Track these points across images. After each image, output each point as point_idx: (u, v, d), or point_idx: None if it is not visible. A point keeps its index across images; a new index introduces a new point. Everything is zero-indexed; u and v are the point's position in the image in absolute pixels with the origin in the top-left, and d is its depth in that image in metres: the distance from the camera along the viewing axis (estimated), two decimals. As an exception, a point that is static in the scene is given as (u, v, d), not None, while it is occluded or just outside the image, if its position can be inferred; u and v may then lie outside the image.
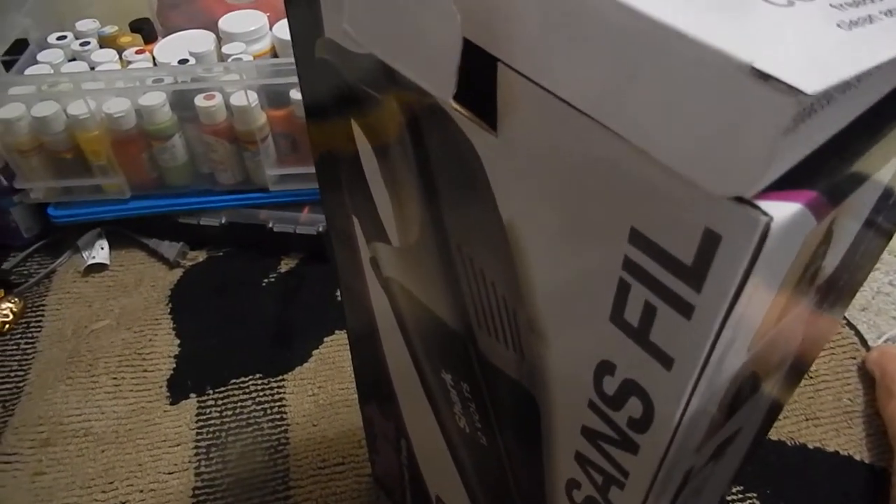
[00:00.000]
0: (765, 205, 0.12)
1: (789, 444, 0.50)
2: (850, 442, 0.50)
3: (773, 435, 0.51)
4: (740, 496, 0.47)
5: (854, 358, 0.56)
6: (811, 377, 0.55)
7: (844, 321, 0.59)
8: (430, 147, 0.20)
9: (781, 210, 0.12)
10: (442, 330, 0.26)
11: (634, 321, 0.16)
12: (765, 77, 0.11)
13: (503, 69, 0.15)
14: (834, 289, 0.20)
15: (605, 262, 0.16)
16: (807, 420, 0.52)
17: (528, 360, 0.21)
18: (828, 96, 0.12)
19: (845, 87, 0.12)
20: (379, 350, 0.33)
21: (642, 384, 0.17)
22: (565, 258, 0.17)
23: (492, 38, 0.15)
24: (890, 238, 0.21)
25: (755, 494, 0.47)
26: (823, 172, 0.13)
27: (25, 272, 0.62)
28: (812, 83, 0.10)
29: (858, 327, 0.59)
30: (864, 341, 0.58)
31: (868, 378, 0.54)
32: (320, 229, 0.60)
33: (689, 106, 0.12)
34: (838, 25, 0.12)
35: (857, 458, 0.49)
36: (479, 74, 0.16)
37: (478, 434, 0.28)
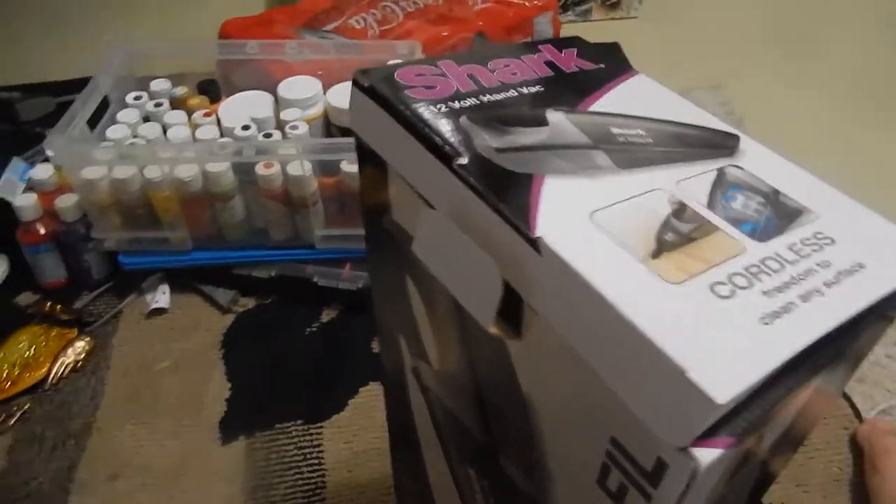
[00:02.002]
0: (696, 451, 0.17)
1: (779, 510, 0.55)
2: (837, 511, 0.55)
3: (765, 500, 0.55)
4: (731, 558, 0.52)
5: (847, 428, 0.60)
6: (804, 445, 0.59)
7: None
8: (471, 323, 0.25)
9: (707, 455, 0.17)
10: (469, 437, 0.31)
11: (613, 489, 0.21)
12: (694, 383, 0.16)
13: (527, 306, 0.21)
14: (784, 442, 0.26)
15: (594, 448, 0.21)
16: (797, 486, 0.56)
17: (536, 485, 0.27)
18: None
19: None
20: (415, 438, 0.39)
21: (621, 530, 0.22)
22: (568, 434, 0.23)
23: (520, 286, 0.21)
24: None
25: (745, 557, 0.52)
26: (743, 418, 0.18)
27: (95, 311, 0.70)
28: (725, 394, 0.16)
29: (853, 398, 0.63)
30: (857, 412, 0.62)
31: (858, 450, 0.58)
32: (360, 285, 0.67)
33: (650, 381, 0.17)
34: (762, 320, 0.18)
35: (843, 526, 0.54)
36: (512, 293, 0.21)
37: (496, 519, 0.34)
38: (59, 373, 0.64)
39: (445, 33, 0.88)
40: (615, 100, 0.26)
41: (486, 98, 0.24)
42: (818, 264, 0.20)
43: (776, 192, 0.23)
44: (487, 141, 0.22)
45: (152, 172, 0.61)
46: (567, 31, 1.10)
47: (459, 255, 0.21)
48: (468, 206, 0.21)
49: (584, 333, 0.19)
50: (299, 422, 0.61)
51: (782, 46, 1.20)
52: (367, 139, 0.26)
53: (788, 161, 0.24)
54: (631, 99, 0.26)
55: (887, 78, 1.11)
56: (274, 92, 0.72)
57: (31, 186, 0.67)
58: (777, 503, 0.55)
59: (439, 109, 0.23)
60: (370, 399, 0.62)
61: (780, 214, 0.22)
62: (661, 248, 0.20)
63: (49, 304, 0.67)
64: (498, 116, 0.23)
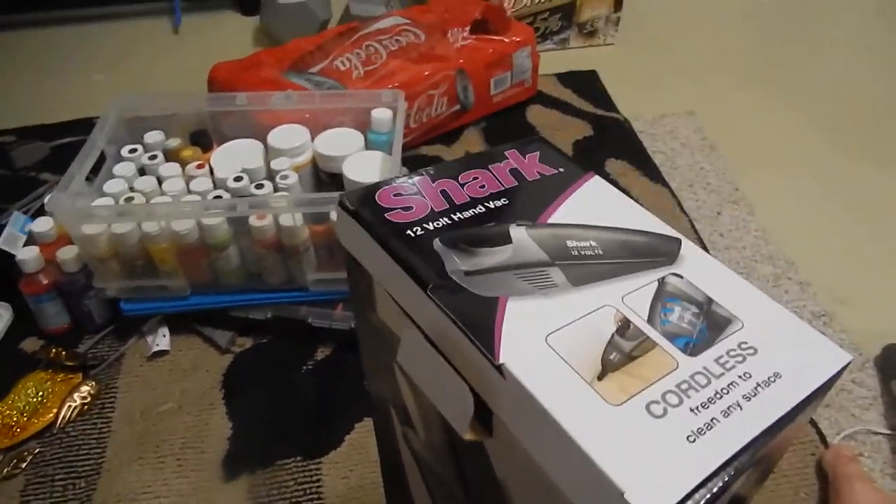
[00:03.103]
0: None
1: (751, 533, 0.59)
2: (804, 532, 0.59)
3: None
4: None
5: (813, 454, 0.64)
6: (774, 472, 0.63)
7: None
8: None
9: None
10: (456, 500, 0.35)
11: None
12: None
13: (496, 414, 0.24)
14: (752, 478, 0.29)
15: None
16: (767, 512, 0.60)
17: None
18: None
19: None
20: (406, 484, 0.42)
21: None
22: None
23: (488, 399, 0.24)
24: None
25: (718, 579, 0.56)
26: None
27: (98, 354, 0.73)
28: (653, 513, 0.19)
29: (819, 423, 0.67)
30: (823, 438, 0.66)
31: (824, 475, 0.62)
32: (351, 325, 0.70)
33: (594, 493, 0.21)
34: (688, 438, 0.21)
35: (809, 547, 0.58)
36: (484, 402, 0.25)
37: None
38: (67, 416, 0.67)
39: (427, 72, 0.91)
40: (572, 207, 0.30)
41: (457, 216, 0.28)
42: (740, 376, 0.24)
43: (709, 301, 0.26)
44: (457, 265, 0.26)
45: (150, 227, 0.65)
46: (546, 59, 1.14)
47: (437, 375, 0.25)
48: (442, 325, 0.25)
49: (541, 447, 0.22)
50: (298, 458, 0.64)
51: (754, 72, 1.24)
52: (353, 253, 0.29)
53: (722, 267, 0.28)
54: (586, 205, 0.30)
55: (858, 103, 1.16)
56: (264, 139, 0.75)
57: (31, 238, 0.70)
58: (747, 527, 0.59)
59: (415, 234, 0.27)
60: (365, 434, 0.66)
61: (711, 325, 0.25)
62: (606, 368, 0.23)
63: (54, 350, 0.70)
64: (467, 237, 0.27)
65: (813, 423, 0.67)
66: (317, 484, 0.62)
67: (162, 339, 0.72)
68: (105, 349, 0.73)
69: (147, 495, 0.61)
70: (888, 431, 0.66)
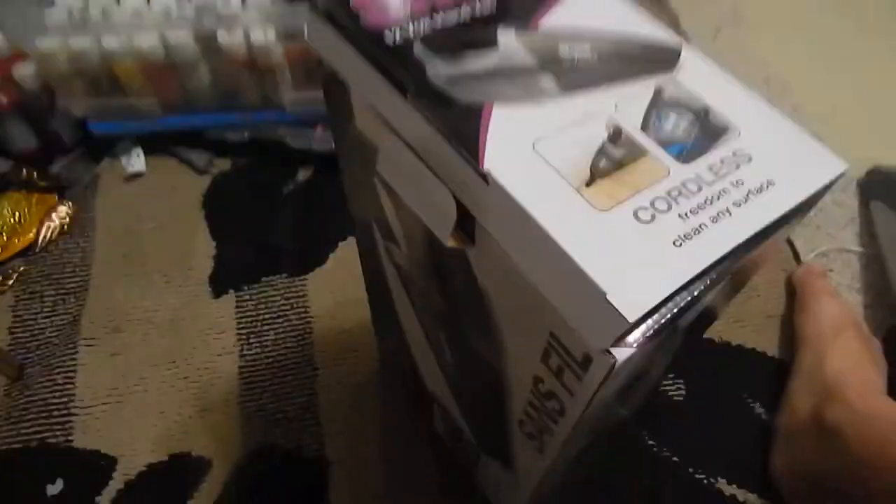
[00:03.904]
0: (614, 350, 0.21)
1: (716, 340, 0.62)
2: (768, 342, 0.62)
3: (705, 333, 0.63)
4: (671, 382, 0.60)
5: (785, 270, 0.67)
6: (746, 287, 0.66)
7: (784, 236, 0.69)
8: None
9: (623, 353, 0.21)
10: (438, 311, 0.36)
11: (554, 367, 0.26)
12: (611, 304, 0.20)
13: (478, 224, 0.24)
14: (703, 319, 0.30)
15: (538, 335, 0.25)
16: (735, 322, 0.63)
17: (494, 354, 0.31)
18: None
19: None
20: (390, 299, 0.43)
21: (559, 395, 0.27)
22: (518, 323, 0.27)
23: (471, 207, 0.23)
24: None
25: (682, 381, 0.60)
26: (655, 321, 0.22)
27: (72, 176, 0.71)
28: (634, 313, 0.19)
29: (795, 242, 0.69)
30: (797, 255, 0.68)
31: (792, 290, 0.64)
32: (332, 147, 0.68)
33: (577, 297, 0.21)
34: (675, 243, 0.21)
35: (770, 354, 0.62)
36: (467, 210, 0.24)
37: (463, 373, 0.39)
38: (47, 237, 0.66)
39: None
40: (565, 11, 0.27)
41: (439, 18, 0.25)
42: (732, 184, 0.23)
43: (706, 110, 0.25)
44: (440, 69, 0.24)
45: (111, 43, 0.60)
46: None
47: (418, 181, 0.24)
48: (424, 133, 0.23)
49: (524, 254, 0.22)
50: (284, 275, 0.65)
51: None
52: (327, 59, 0.27)
53: (724, 73, 0.26)
54: (580, 9, 0.27)
55: None
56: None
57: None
58: (715, 336, 0.62)
59: (395, 36, 0.24)
60: (349, 252, 0.67)
61: (706, 133, 0.24)
62: (595, 175, 0.22)
63: (25, 170, 0.68)
64: (450, 41, 0.25)
65: (788, 240, 0.68)
66: (303, 299, 0.64)
67: (136, 161, 0.70)
68: (78, 170, 0.71)
69: (137, 309, 0.63)
70: (860, 249, 0.68)
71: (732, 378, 0.60)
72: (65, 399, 0.58)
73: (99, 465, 0.54)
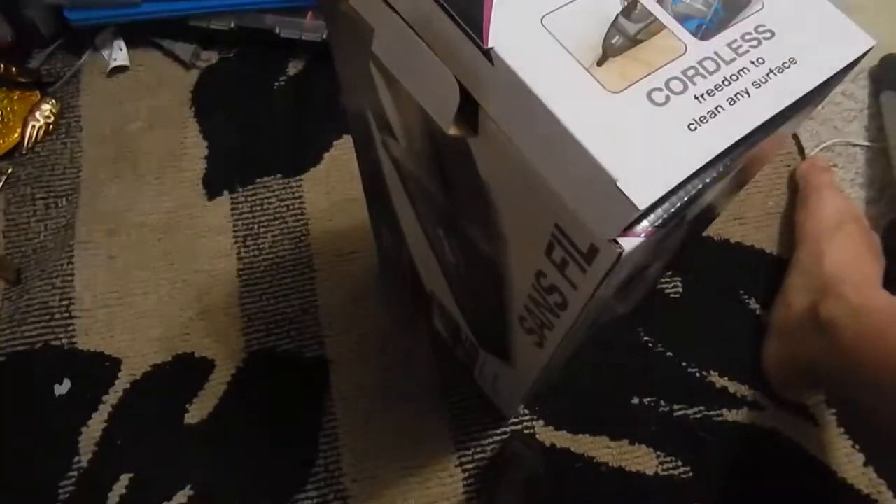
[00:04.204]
0: (621, 240, 0.20)
1: (715, 238, 0.62)
2: (767, 238, 0.62)
3: (704, 231, 0.62)
4: (668, 280, 0.60)
5: (789, 166, 0.65)
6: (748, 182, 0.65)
7: (790, 131, 0.67)
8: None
9: (630, 243, 0.21)
10: (438, 206, 0.35)
11: (557, 260, 0.25)
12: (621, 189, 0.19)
13: (482, 109, 0.22)
14: (706, 214, 0.29)
15: (541, 227, 0.24)
16: (734, 220, 0.63)
17: (495, 249, 0.31)
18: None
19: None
20: (388, 196, 0.42)
21: (561, 289, 0.27)
22: (521, 215, 0.26)
23: (475, 91, 0.22)
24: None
25: (679, 279, 0.60)
26: (664, 209, 0.21)
27: (53, 71, 0.68)
28: (645, 199, 0.19)
29: (801, 136, 0.67)
30: (801, 149, 0.66)
31: (795, 185, 0.63)
32: (324, 36, 0.65)
33: (585, 183, 0.20)
34: (689, 126, 0.20)
35: (769, 251, 0.61)
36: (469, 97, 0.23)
37: (462, 270, 0.39)
38: (33, 136, 0.64)
39: None
40: None
41: None
42: (752, 62, 0.21)
43: (728, -20, 0.23)
44: (441, -67, 0.21)
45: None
46: None
47: (419, 62, 0.22)
48: (423, 8, 0.21)
49: (531, 139, 0.21)
50: (278, 175, 0.64)
51: None
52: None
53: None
54: None
55: None
56: None
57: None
58: (714, 234, 0.62)
59: None
60: (345, 151, 0.65)
61: (728, 6, 0.22)
62: (607, 53, 0.21)
63: (3, 65, 0.65)
64: None
65: (794, 134, 0.67)
66: (299, 200, 0.63)
67: (119, 54, 0.67)
68: (59, 65, 0.68)
69: (131, 211, 0.62)
70: (866, 143, 0.66)
71: (729, 275, 0.60)
72: (65, 302, 0.58)
73: (104, 366, 0.55)
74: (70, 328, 0.56)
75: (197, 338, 0.56)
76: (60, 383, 0.54)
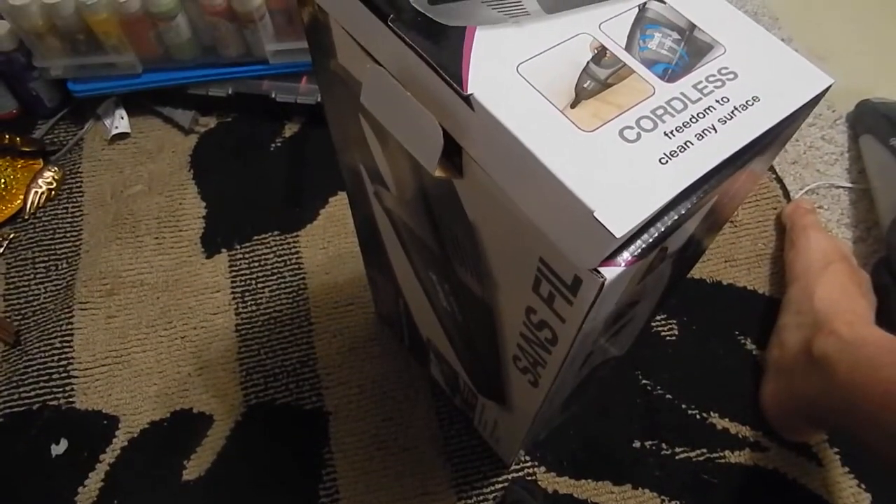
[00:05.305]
0: (603, 269, 0.21)
1: (708, 281, 0.63)
2: (758, 279, 0.63)
3: (696, 274, 0.63)
4: (663, 322, 0.60)
5: (775, 208, 0.67)
6: (736, 225, 0.66)
7: (773, 174, 0.69)
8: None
9: (612, 272, 0.21)
10: (430, 252, 0.36)
11: (545, 295, 0.26)
12: (599, 220, 0.20)
13: (465, 152, 0.24)
14: (688, 250, 0.30)
15: (527, 264, 0.25)
16: (725, 262, 0.64)
17: (486, 290, 0.32)
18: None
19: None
20: (382, 247, 0.43)
21: (550, 324, 0.27)
22: (508, 253, 0.27)
23: (457, 135, 0.23)
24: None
25: (675, 321, 0.61)
26: (643, 240, 0.22)
27: (56, 140, 0.70)
28: (622, 228, 0.20)
29: (785, 179, 0.69)
30: (786, 193, 0.68)
31: (782, 227, 0.65)
32: (318, 99, 0.67)
33: (565, 217, 0.21)
34: (660, 160, 0.21)
35: (761, 291, 0.62)
36: (453, 141, 0.24)
37: (457, 314, 0.39)
38: (35, 202, 0.66)
39: None
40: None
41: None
42: (717, 101, 0.23)
43: (692, 27, 0.24)
44: (421, -7, 0.23)
45: (84, -7, 0.58)
46: None
47: (403, 110, 0.23)
48: (406, 60, 0.23)
49: (511, 178, 0.22)
50: (276, 232, 0.65)
51: None
52: (305, -12, 0.26)
53: (708, -10, 0.26)
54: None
55: None
56: None
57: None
58: (707, 276, 0.63)
59: (373, -41, 0.24)
60: (339, 208, 0.66)
61: (692, 51, 0.24)
62: (580, 96, 0.22)
63: (7, 136, 0.67)
64: (431, -38, 0.24)
65: (778, 178, 0.68)
66: (296, 255, 0.64)
67: (120, 122, 0.69)
68: (62, 134, 0.70)
69: (131, 272, 0.63)
70: (849, 185, 0.68)
71: (724, 316, 0.61)
72: (63, 362, 0.58)
73: (101, 425, 0.55)
74: (68, 388, 0.57)
75: (195, 393, 0.56)
76: (58, 443, 0.54)
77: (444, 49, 0.22)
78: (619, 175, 0.21)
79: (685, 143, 0.22)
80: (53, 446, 0.54)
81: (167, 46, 0.65)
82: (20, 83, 0.66)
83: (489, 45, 0.23)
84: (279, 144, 0.70)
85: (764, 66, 0.24)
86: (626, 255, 0.22)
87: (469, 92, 0.21)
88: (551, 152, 0.21)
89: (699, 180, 0.21)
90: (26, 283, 0.62)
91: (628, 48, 0.23)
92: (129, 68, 0.66)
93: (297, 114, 0.70)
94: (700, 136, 0.22)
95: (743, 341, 0.60)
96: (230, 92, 0.68)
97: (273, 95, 0.67)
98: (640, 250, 0.22)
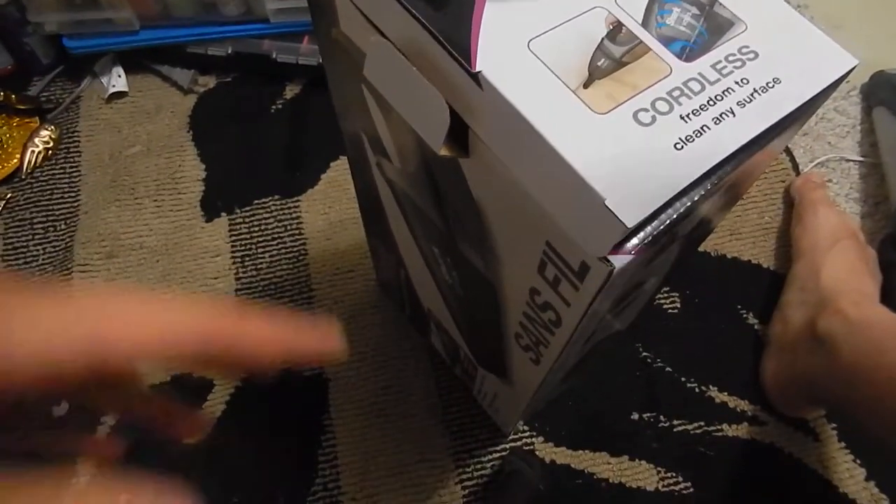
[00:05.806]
0: (612, 258, 0.21)
1: (712, 254, 0.62)
2: (763, 253, 0.62)
3: (701, 247, 0.62)
4: (665, 295, 0.60)
5: (783, 181, 0.66)
6: (742, 197, 0.65)
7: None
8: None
9: (620, 260, 0.21)
10: (433, 226, 0.35)
11: (550, 278, 0.25)
12: (610, 208, 0.19)
13: (472, 131, 0.23)
14: (698, 230, 0.29)
15: (533, 246, 0.25)
16: (730, 235, 0.63)
17: (490, 267, 0.31)
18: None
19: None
20: (384, 216, 0.42)
21: (555, 306, 0.27)
22: (513, 234, 0.26)
23: (464, 113, 0.22)
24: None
25: (677, 294, 0.60)
26: (654, 227, 0.21)
27: (52, 98, 0.68)
28: (633, 217, 0.19)
29: (795, 152, 0.67)
30: (796, 166, 0.67)
31: (790, 201, 0.64)
32: (320, 60, 0.65)
33: (574, 203, 0.20)
34: (675, 145, 0.20)
35: (765, 265, 0.62)
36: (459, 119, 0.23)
37: (459, 288, 0.39)
38: (32, 162, 0.65)
39: None
40: None
41: None
42: (737, 82, 0.22)
43: (712, 2, 0.23)
44: (429, -39, 0.22)
45: (80, -56, 0.56)
46: None
47: (409, 85, 0.22)
48: (412, 33, 0.22)
49: (520, 160, 0.21)
50: (276, 197, 0.64)
51: None
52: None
53: (730, -37, 0.24)
54: None
55: None
56: None
57: (-52, -37, 0.61)
58: (711, 250, 0.62)
59: (379, -76, 0.23)
60: (341, 172, 0.65)
61: (711, 28, 0.23)
62: (594, 75, 0.21)
63: (3, 93, 0.65)
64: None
65: (787, 150, 0.67)
66: (296, 220, 0.63)
67: (118, 80, 0.68)
68: (58, 92, 0.69)
69: (129, 234, 0.62)
70: (860, 158, 0.67)
71: (727, 290, 0.61)
72: (63, 324, 0.58)
73: (102, 387, 0.55)
74: (69, 351, 0.56)
75: (195, 359, 0.56)
76: (59, 405, 0.54)
77: (452, 22, 0.21)
78: (633, 161, 0.20)
79: (702, 128, 0.21)
80: (55, 408, 0.54)
81: (165, 3, 0.63)
82: (14, 38, 0.65)
83: (499, 19, 0.22)
84: (280, 106, 0.68)
85: (785, 44, 0.23)
86: (635, 243, 0.21)
87: (477, 69, 0.20)
88: (562, 136, 0.20)
89: (715, 166, 0.20)
90: (24, 245, 0.62)
91: (645, 24, 0.22)
92: (126, 24, 0.64)
93: (298, 75, 0.69)
94: (717, 121, 0.21)
95: (745, 316, 0.59)
96: (230, 51, 0.66)
97: (274, 55, 0.66)
98: (650, 238, 0.21)
